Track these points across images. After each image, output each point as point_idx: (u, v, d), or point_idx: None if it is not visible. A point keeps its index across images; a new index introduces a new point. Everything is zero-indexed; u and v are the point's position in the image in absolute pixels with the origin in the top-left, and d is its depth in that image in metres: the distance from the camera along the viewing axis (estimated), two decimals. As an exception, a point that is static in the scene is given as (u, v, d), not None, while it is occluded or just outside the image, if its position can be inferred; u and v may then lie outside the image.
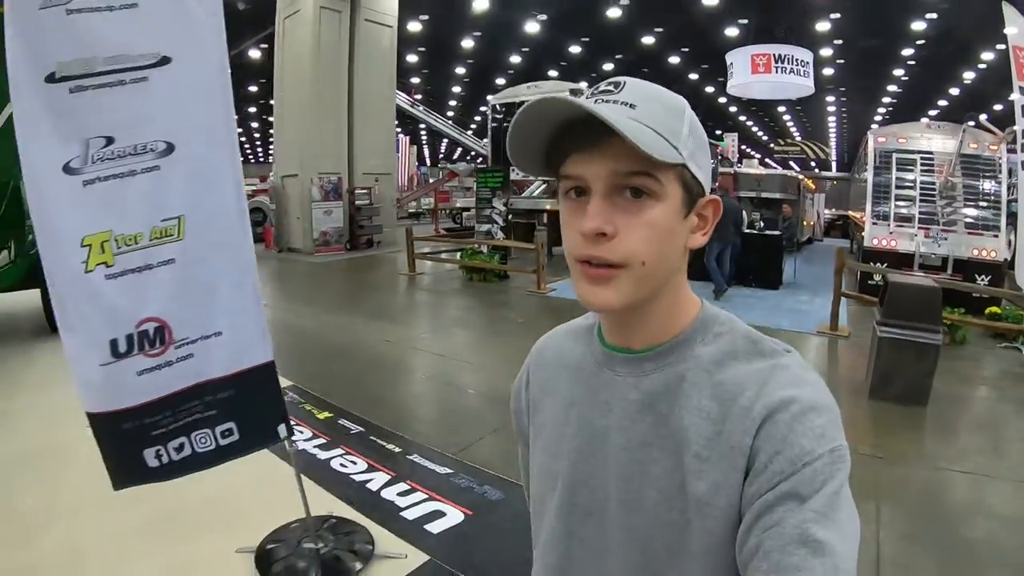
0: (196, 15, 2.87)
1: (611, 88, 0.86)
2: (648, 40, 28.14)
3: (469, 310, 10.97)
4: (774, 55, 20.48)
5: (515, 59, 32.12)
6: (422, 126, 40.28)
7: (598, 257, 0.84)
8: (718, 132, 39.05)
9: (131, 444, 2.91)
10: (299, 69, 18.21)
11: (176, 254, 2.88)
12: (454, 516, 3.90)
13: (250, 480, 3.97)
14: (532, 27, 26.02)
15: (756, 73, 20.62)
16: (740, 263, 12.15)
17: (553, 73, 33.19)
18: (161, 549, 3.62)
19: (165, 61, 2.79)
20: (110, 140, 2.76)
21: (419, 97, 35.24)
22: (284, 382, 4.78)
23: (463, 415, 6.02)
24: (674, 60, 31.44)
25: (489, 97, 21.50)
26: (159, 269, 2.85)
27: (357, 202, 18.70)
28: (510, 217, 15.09)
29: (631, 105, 0.83)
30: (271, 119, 48.85)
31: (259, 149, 65.98)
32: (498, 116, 18.13)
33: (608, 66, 32.69)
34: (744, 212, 13.30)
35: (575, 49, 29.97)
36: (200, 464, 3.06)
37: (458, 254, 14.73)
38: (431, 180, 38.95)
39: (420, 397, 6.67)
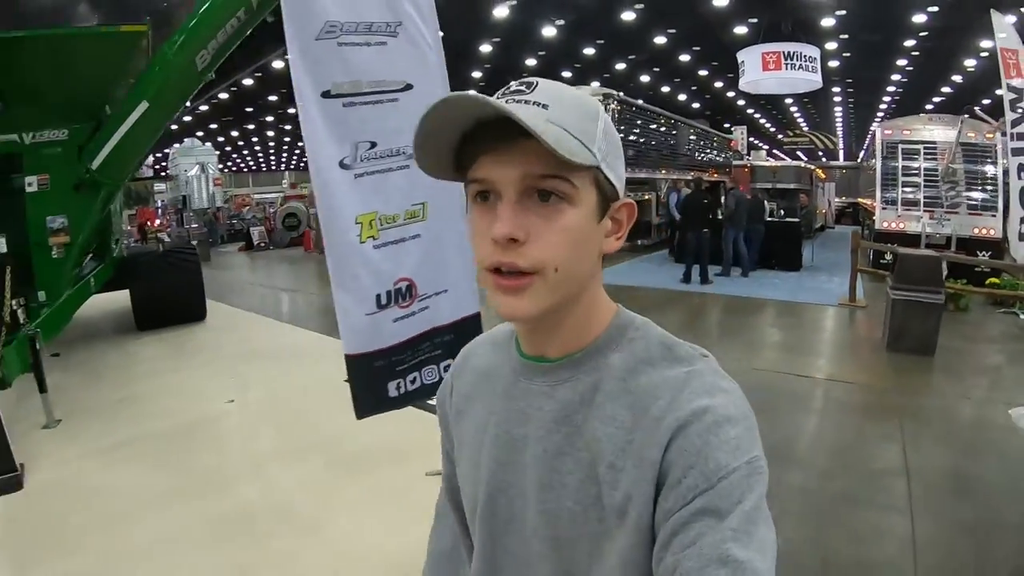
0: (427, 54, 4.11)
1: (523, 88, 0.84)
2: (660, 40, 29.02)
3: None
4: (783, 53, 21.55)
5: (530, 62, 32.93)
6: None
7: (509, 264, 0.82)
8: (727, 125, 39.78)
9: (379, 378, 3.95)
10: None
11: (421, 230, 4.00)
12: None
13: (401, 430, 4.61)
14: (548, 31, 26.92)
15: (767, 70, 21.67)
16: (763, 248, 13.39)
17: (567, 74, 34.05)
18: (354, 482, 4.47)
19: (409, 87, 3.97)
20: (373, 144, 3.80)
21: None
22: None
23: None
24: (685, 58, 32.21)
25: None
26: (410, 241, 3.96)
27: (397, 204, 19.74)
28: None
29: (544, 105, 0.81)
30: (287, 127, 49.57)
31: (273, 157, 66.51)
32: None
33: (620, 66, 33.36)
34: (766, 203, 14.50)
35: (589, 51, 30.70)
36: (425, 394, 4.12)
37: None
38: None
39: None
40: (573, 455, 0.89)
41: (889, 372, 6.86)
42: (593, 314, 0.93)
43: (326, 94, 3.65)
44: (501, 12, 24.43)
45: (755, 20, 24.47)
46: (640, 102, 21.48)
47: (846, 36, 26.63)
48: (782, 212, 15.81)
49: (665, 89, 39.06)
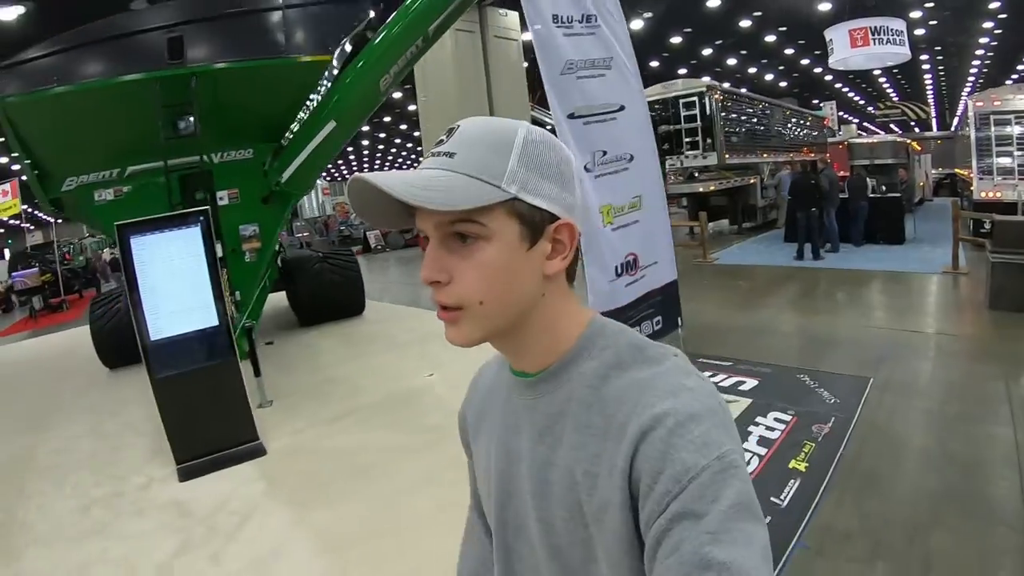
0: (630, 80, 5.60)
1: (444, 138, 0.90)
2: (746, 23, 29.65)
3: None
4: (871, 28, 21.84)
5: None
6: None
7: (439, 301, 0.90)
8: (815, 102, 39.76)
9: None
10: (443, 88, 18.78)
11: (639, 217, 5.42)
12: (752, 382, 6.45)
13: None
14: (636, 24, 27.62)
15: (855, 47, 21.95)
16: (868, 224, 14.32)
17: (655, 64, 34.80)
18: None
19: (622, 108, 5.42)
20: (605, 152, 5.20)
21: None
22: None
23: (740, 330, 8.06)
24: (771, 39, 32.62)
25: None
26: (632, 226, 5.36)
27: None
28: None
29: (450, 155, 0.87)
30: (380, 135, 51.18)
31: (367, 166, 68.64)
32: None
33: (707, 51, 34.03)
34: (867, 180, 15.38)
35: (676, 40, 31.31)
36: None
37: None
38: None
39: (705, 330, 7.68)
40: (557, 464, 0.92)
41: (990, 326, 7.94)
42: (557, 329, 0.96)
43: (571, 115, 5.14)
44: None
45: (840, -5, 24.99)
46: (726, 85, 22.26)
47: (931, 4, 26.82)
48: (883, 188, 16.53)
49: (752, 70, 39.46)
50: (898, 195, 15.66)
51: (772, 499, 4.23)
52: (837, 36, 22.53)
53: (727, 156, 16.91)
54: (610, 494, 0.84)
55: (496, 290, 0.88)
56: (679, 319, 5.93)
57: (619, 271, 5.28)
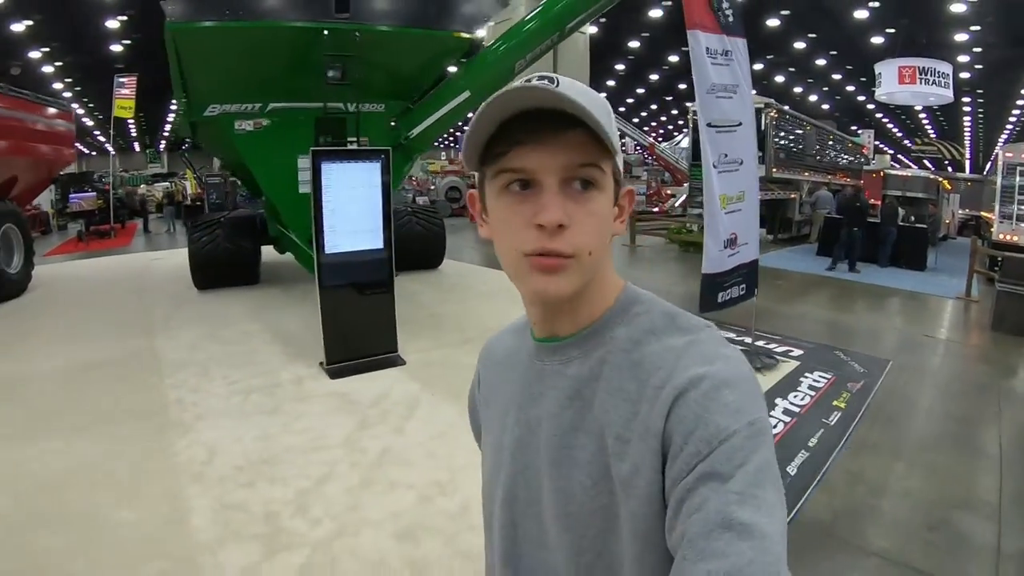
0: (748, 106, 7.09)
1: (548, 84, 0.85)
2: (800, 44, 30.96)
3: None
4: (919, 68, 22.97)
5: (673, 58, 34.72)
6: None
7: (553, 250, 0.85)
8: (853, 128, 40.81)
9: (716, 289, 6.78)
10: (512, 72, 20.03)
11: (742, 207, 6.92)
12: (798, 351, 8.09)
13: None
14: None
15: (903, 83, 23.03)
16: (895, 249, 15.79)
17: (707, 71, 35.85)
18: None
19: (741, 124, 6.91)
20: (726, 155, 6.67)
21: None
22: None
23: (783, 316, 8.94)
24: (821, 62, 33.91)
25: (689, 104, 24.13)
26: (736, 212, 6.85)
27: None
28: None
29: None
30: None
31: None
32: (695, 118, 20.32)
33: (758, 66, 35.21)
34: (899, 209, 16.72)
35: None
36: (731, 303, 7.04)
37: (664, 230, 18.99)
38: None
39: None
40: (583, 429, 0.92)
41: (991, 341, 9.52)
42: (603, 290, 0.97)
43: (709, 124, 6.65)
44: (655, 12, 26.76)
45: (892, 30, 26.21)
46: (772, 101, 23.48)
47: (979, 49, 27.96)
48: (912, 218, 17.76)
49: (797, 89, 40.55)
50: (925, 226, 16.98)
51: (823, 420, 5.99)
52: (886, 71, 23.72)
53: (775, 170, 18.18)
54: (642, 457, 0.83)
55: (600, 241, 0.90)
56: (755, 289, 7.50)
57: (725, 244, 6.83)
